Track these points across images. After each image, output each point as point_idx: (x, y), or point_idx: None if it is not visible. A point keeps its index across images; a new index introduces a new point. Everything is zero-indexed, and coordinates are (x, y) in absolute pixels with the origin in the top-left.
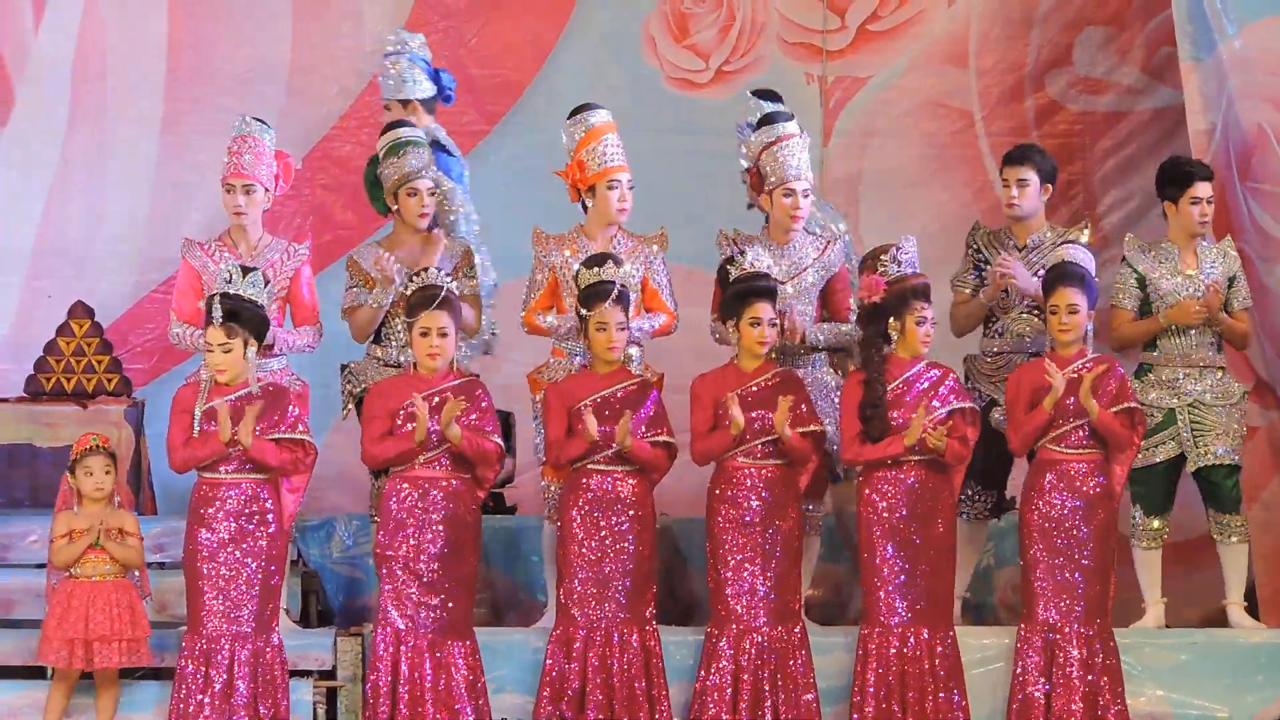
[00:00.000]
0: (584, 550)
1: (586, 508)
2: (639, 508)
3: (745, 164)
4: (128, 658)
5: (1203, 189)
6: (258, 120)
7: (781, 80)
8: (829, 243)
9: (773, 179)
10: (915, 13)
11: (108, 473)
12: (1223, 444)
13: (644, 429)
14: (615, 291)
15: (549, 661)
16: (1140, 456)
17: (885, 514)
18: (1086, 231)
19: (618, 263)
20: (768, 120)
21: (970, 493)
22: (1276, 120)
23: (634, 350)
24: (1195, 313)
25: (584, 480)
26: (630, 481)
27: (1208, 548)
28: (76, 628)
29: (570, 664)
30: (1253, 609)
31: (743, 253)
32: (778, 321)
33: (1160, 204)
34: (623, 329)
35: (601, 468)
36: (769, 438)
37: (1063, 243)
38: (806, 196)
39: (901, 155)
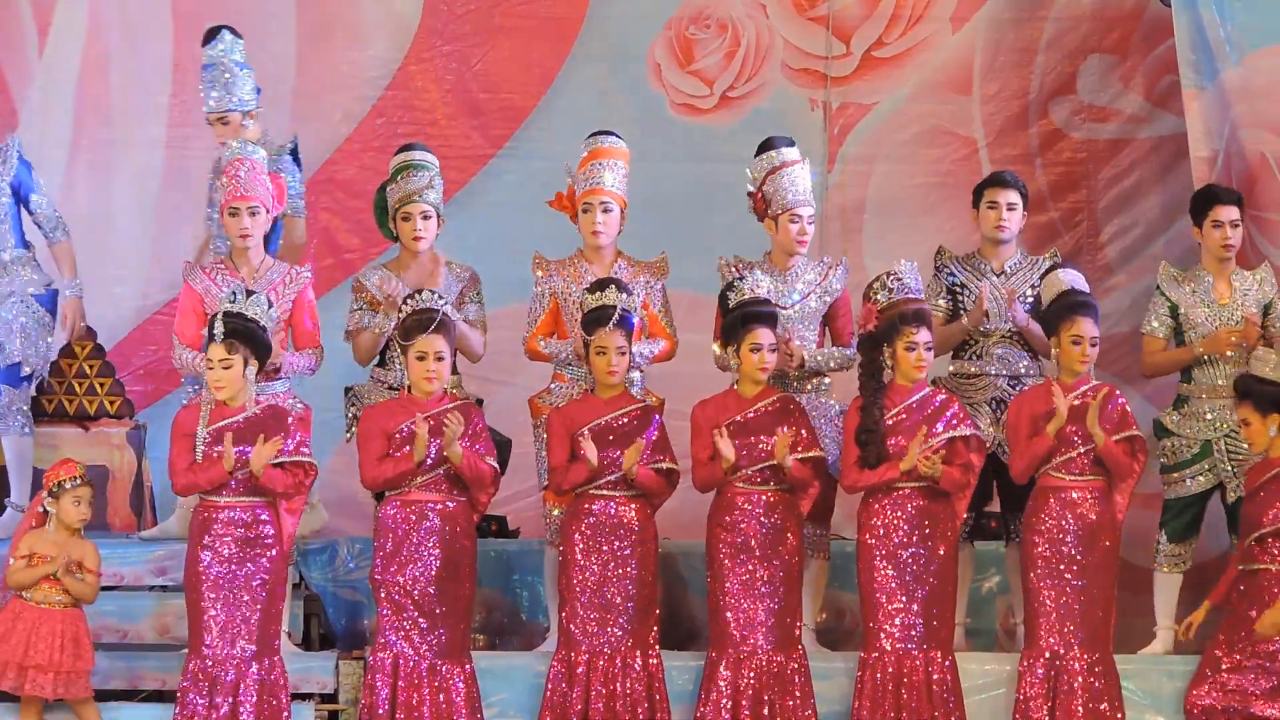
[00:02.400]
0: (586, 575)
1: (589, 532)
2: (641, 532)
3: (751, 189)
4: (61, 689)
5: (1224, 212)
6: (250, 143)
7: (786, 106)
8: (830, 267)
9: (778, 204)
10: (920, 40)
11: (90, 504)
12: None
13: (647, 454)
14: (616, 316)
15: (550, 685)
16: (1174, 486)
17: (885, 539)
18: (1058, 258)
19: (620, 288)
20: (768, 145)
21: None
22: (1278, 148)
23: (635, 375)
24: (1229, 344)
25: (586, 505)
26: (632, 506)
27: (1212, 575)
28: (16, 650)
29: (572, 688)
30: None
31: (741, 278)
32: (777, 347)
33: (1163, 233)
34: (623, 354)
35: (604, 493)
36: (769, 464)
37: (1053, 267)
38: (811, 222)
39: (905, 182)
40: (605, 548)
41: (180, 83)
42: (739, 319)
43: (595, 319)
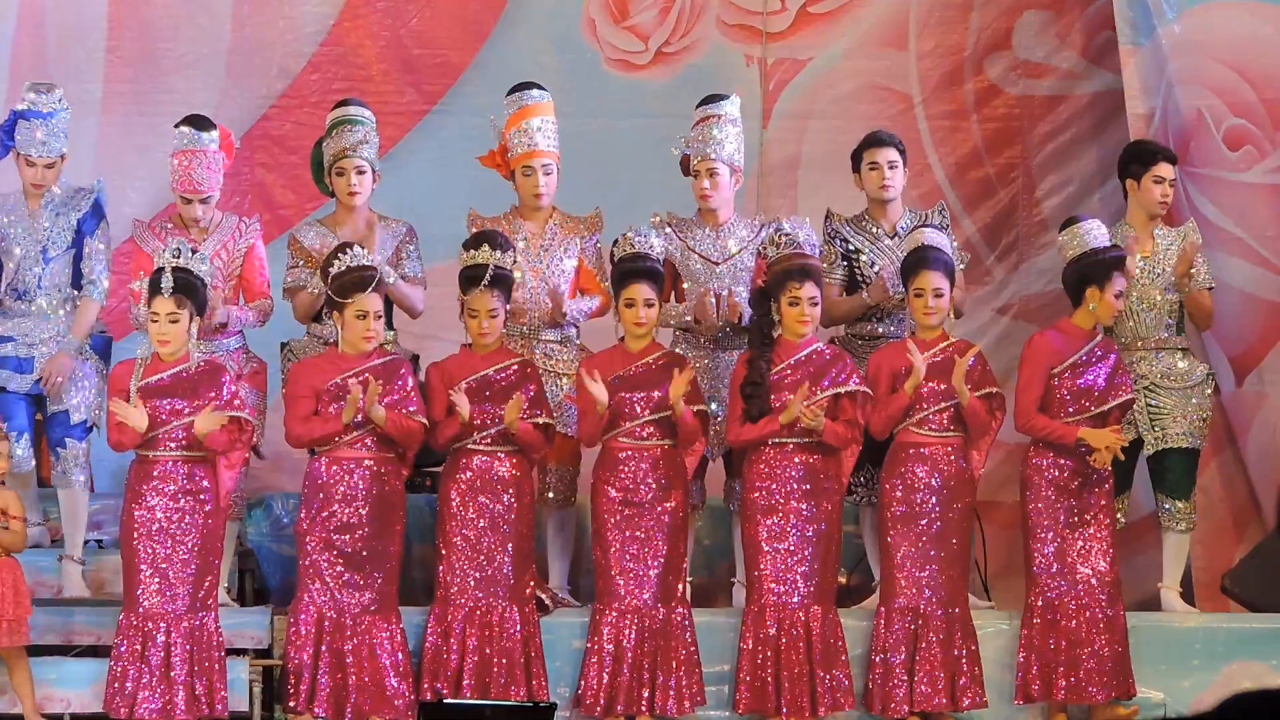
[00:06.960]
0: (463, 529)
1: (465, 487)
2: (518, 486)
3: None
4: (9, 638)
5: (1166, 170)
6: (196, 124)
7: (721, 62)
8: (763, 225)
9: (693, 158)
10: None
11: (7, 458)
12: (1181, 427)
13: (526, 410)
14: (488, 276)
15: (429, 639)
16: None
17: (769, 494)
18: (945, 214)
19: (494, 245)
20: (705, 101)
21: (866, 477)
22: (1215, 105)
23: (571, 331)
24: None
25: (463, 460)
26: (510, 461)
27: (1144, 532)
28: None
29: (448, 642)
30: (1187, 593)
31: (624, 235)
32: (654, 303)
33: (1099, 189)
34: (494, 316)
35: (482, 448)
36: (653, 417)
37: (917, 226)
38: (714, 175)
39: (841, 138)
40: (483, 502)
41: (116, 37)
42: (616, 274)
43: (468, 278)
